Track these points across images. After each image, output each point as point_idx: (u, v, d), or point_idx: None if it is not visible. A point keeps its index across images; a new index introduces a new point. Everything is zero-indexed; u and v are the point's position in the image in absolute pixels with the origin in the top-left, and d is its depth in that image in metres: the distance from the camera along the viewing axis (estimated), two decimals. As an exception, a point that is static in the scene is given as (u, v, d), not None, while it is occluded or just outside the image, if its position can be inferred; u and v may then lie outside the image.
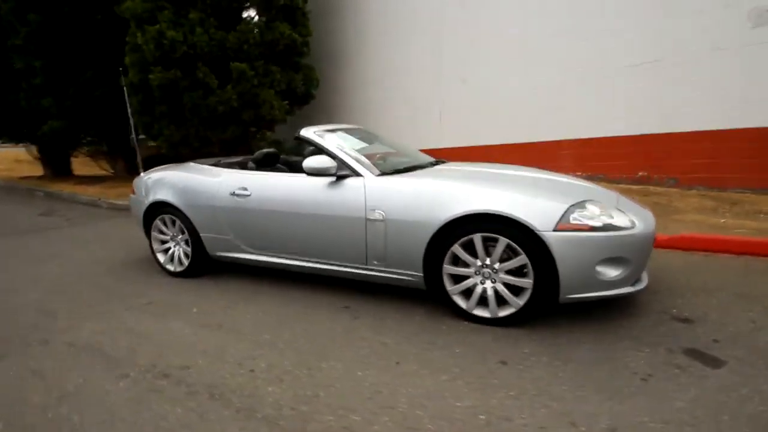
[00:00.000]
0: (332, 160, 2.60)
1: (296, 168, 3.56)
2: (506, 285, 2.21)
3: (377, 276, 2.59)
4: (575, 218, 2.07)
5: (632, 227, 2.13)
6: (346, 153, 2.70)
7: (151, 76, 6.93)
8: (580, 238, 2.05)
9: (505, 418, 1.54)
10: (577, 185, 2.65)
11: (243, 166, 3.38)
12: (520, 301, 2.17)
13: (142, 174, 3.71)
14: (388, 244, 2.44)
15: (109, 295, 3.04)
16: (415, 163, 3.08)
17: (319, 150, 2.80)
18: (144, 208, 3.42)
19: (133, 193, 3.68)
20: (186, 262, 3.32)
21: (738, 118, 4.86)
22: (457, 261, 2.30)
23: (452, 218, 2.22)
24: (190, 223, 3.20)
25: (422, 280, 2.44)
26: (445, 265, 2.32)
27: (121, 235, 4.94)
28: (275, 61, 7.90)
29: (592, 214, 2.11)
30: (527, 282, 2.14)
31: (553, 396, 1.65)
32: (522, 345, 2.05)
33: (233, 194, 2.98)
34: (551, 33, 6.27)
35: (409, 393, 1.72)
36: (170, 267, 3.42)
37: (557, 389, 1.69)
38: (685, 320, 2.21)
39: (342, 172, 2.61)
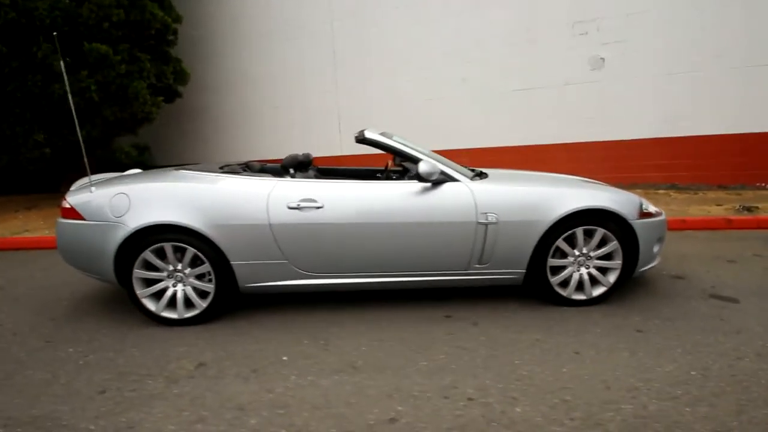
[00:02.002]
0: (437, 165, 2.48)
1: (337, 174, 3.12)
2: (597, 269, 2.62)
3: (476, 280, 2.62)
4: (645, 208, 2.65)
5: (662, 213, 2.86)
6: (437, 158, 2.62)
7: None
8: (650, 223, 2.63)
9: (657, 364, 1.92)
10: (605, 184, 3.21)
11: (273, 173, 2.77)
12: (611, 279, 2.62)
13: (93, 188, 2.56)
14: (497, 245, 2.52)
15: (149, 366, 2.04)
16: (468, 169, 3.10)
17: (400, 155, 2.62)
18: (121, 235, 2.39)
19: (78, 216, 2.51)
20: (203, 304, 2.50)
21: (591, 134, 6.69)
22: (557, 254, 2.58)
23: (563, 216, 2.49)
24: (217, 249, 2.43)
25: (522, 276, 2.62)
26: (549, 259, 2.56)
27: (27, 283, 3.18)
28: (142, 48, 6.38)
29: (647, 204, 2.74)
30: (616, 263, 2.60)
31: (682, 341, 2.13)
32: (628, 317, 2.48)
33: (294, 208, 2.44)
34: (447, 52, 7.18)
35: (633, 373, 1.91)
36: (170, 314, 2.51)
37: (678, 339, 2.19)
38: (679, 277, 3.11)
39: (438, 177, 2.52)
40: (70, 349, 2.30)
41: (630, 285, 2.90)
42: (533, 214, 2.50)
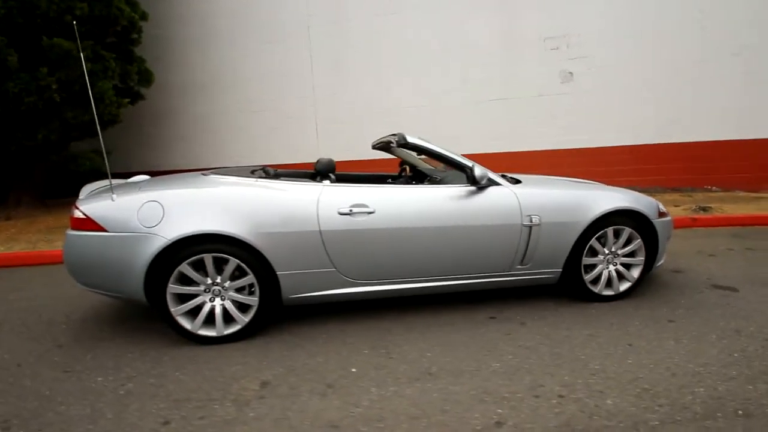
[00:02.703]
0: (487, 170, 2.53)
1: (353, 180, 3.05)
2: (623, 265, 2.80)
3: (516, 280, 2.69)
4: (661, 209, 2.88)
5: (668, 213, 3.13)
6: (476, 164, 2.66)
7: None
8: (666, 222, 2.87)
9: (702, 350, 2.12)
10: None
11: (302, 178, 2.65)
12: (635, 274, 2.81)
13: (114, 195, 2.29)
14: (539, 246, 2.61)
15: (206, 390, 1.83)
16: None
17: (444, 160, 2.64)
18: (156, 248, 2.16)
19: (97, 227, 2.23)
20: (245, 318, 2.33)
21: (562, 142, 7.14)
22: (588, 253, 2.73)
23: (598, 216, 2.63)
24: (262, 259, 2.28)
25: (558, 275, 2.73)
26: (583, 257, 2.70)
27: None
28: (105, 46, 5.88)
29: (661, 205, 2.98)
30: (640, 260, 2.79)
31: (711, 327, 2.35)
32: (656, 309, 2.67)
33: (345, 213, 2.36)
34: (428, 61, 7.34)
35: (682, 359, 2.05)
36: (208, 332, 2.31)
37: (707, 326, 2.40)
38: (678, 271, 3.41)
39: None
40: (99, 378, 2.03)
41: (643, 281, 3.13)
42: (572, 216, 2.63)
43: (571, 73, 6.82)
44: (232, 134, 8.26)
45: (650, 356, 2.10)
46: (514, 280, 2.69)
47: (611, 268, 2.78)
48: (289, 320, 2.61)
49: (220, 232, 2.21)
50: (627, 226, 2.72)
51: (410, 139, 2.67)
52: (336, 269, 2.41)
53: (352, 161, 7.81)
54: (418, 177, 3.64)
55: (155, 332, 2.50)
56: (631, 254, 2.80)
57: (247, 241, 2.24)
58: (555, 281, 2.76)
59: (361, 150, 8.02)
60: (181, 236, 2.17)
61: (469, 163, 2.59)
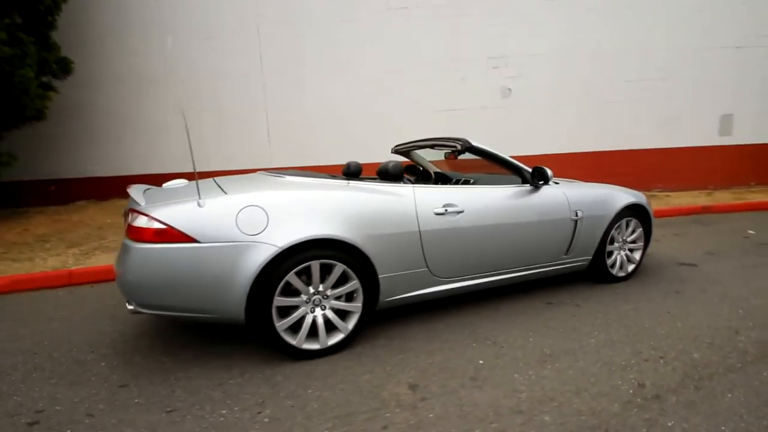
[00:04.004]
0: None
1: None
2: (629, 250, 3.36)
3: (560, 269, 3.04)
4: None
5: (646, 206, 3.82)
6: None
7: None
8: (652, 213, 3.53)
9: (719, 312, 2.74)
10: None
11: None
12: (637, 257, 3.39)
13: (201, 200, 1.98)
14: (579, 237, 2.99)
15: (356, 403, 1.67)
16: None
17: (504, 164, 2.85)
18: (265, 257, 1.95)
19: (183, 238, 1.92)
20: (348, 326, 2.23)
21: (501, 151, 7.93)
22: (610, 241, 3.21)
23: (619, 210, 3.13)
24: (366, 263, 2.21)
25: (588, 262, 3.16)
26: (607, 246, 3.17)
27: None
28: (21, 27, 4.86)
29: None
30: (640, 245, 3.38)
31: (708, 294, 3.00)
32: (659, 284, 3.26)
33: (440, 213, 2.42)
34: (382, 72, 7.54)
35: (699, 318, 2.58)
36: (311, 345, 2.14)
37: (705, 293, 3.06)
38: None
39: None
40: (223, 411, 1.75)
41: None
42: (603, 210, 3.08)
43: (510, 89, 7.69)
44: (165, 136, 7.33)
45: (690, 320, 2.59)
46: (558, 269, 3.03)
47: (622, 253, 3.32)
48: (367, 327, 2.55)
49: (332, 237, 2.08)
50: (634, 217, 3.28)
51: (474, 144, 2.84)
52: (428, 268, 2.45)
53: (307, 168, 7.60)
54: (426, 179, 3.85)
55: (221, 354, 2.21)
56: (635, 241, 3.38)
57: (356, 245, 2.15)
58: (585, 268, 3.19)
59: (317, 156, 7.90)
60: (293, 243, 2.00)
61: (521, 165, 2.87)
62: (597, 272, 3.23)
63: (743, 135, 7.88)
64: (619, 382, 1.92)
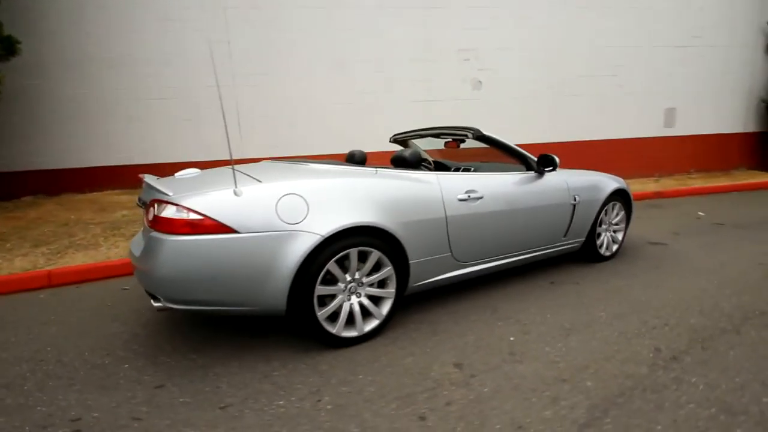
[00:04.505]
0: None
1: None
2: (614, 231, 3.65)
3: (557, 250, 3.24)
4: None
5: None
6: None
7: None
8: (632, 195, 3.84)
9: (703, 281, 3.10)
10: None
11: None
12: (620, 237, 3.69)
13: (238, 188, 1.89)
14: (576, 220, 3.21)
15: (409, 385, 1.70)
16: None
17: (512, 153, 2.98)
18: (309, 245, 1.92)
19: (219, 228, 1.84)
20: (383, 312, 2.24)
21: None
22: (599, 224, 3.47)
23: (608, 194, 3.39)
24: (400, 250, 2.24)
25: (581, 244, 3.40)
26: (597, 228, 3.42)
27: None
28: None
29: (623, 185, 3.95)
30: (622, 226, 3.68)
31: (683, 268, 3.36)
32: (636, 263, 3.58)
33: (463, 200, 2.49)
34: (357, 62, 7.46)
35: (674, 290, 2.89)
36: (349, 333, 2.15)
37: (680, 266, 3.41)
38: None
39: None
40: (280, 402, 1.71)
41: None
42: (595, 195, 3.32)
43: (480, 81, 7.94)
44: (122, 126, 6.80)
45: (675, 292, 2.88)
46: (557, 251, 3.24)
47: (608, 234, 3.60)
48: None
49: (370, 224, 2.09)
50: (618, 201, 3.57)
51: (486, 133, 2.93)
52: (451, 253, 2.52)
53: (274, 159, 7.39)
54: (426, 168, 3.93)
55: (253, 347, 2.16)
56: (618, 223, 3.67)
57: (392, 232, 2.17)
58: (578, 249, 3.43)
59: (290, 147, 7.69)
60: (335, 231, 1.98)
61: (527, 154, 3.02)
62: (588, 253, 3.48)
63: (684, 127, 8.72)
64: (638, 348, 2.12)
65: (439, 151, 4.31)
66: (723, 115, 8.84)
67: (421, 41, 7.62)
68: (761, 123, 8.89)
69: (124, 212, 5.16)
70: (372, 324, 2.23)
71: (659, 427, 1.55)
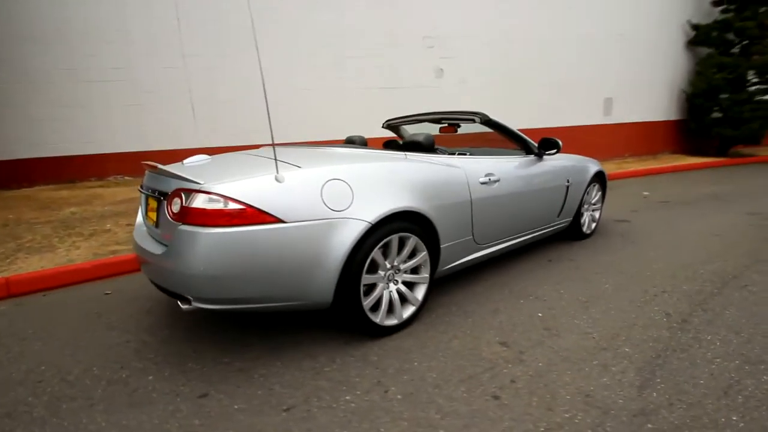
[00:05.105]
0: (558, 143, 3.10)
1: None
2: (592, 211, 3.93)
3: (553, 229, 3.42)
4: (601, 168, 4.14)
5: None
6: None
7: None
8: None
9: (685, 253, 3.47)
10: None
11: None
12: (597, 216, 3.98)
13: (279, 174, 1.74)
14: (568, 201, 3.40)
15: (469, 368, 1.69)
16: None
17: (515, 137, 3.05)
18: (358, 232, 1.83)
19: (263, 218, 1.69)
20: (419, 297, 2.22)
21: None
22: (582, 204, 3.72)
23: (591, 176, 3.62)
24: (434, 234, 2.22)
25: (569, 223, 3.62)
26: (581, 207, 3.66)
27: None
28: None
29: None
30: (599, 206, 3.98)
31: (655, 241, 3.73)
32: (612, 237, 3.89)
33: (484, 183, 2.53)
34: (319, 47, 7.19)
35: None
36: (390, 321, 2.10)
37: (652, 239, 3.78)
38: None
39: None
40: (347, 397, 1.63)
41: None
42: (582, 177, 3.54)
43: (442, 69, 8.05)
44: (54, 112, 5.98)
45: (658, 262, 3.17)
46: (552, 230, 3.42)
47: (589, 213, 3.87)
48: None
49: (411, 209, 2.04)
50: (597, 182, 3.84)
51: (492, 117, 2.98)
52: (472, 236, 2.55)
53: (233, 147, 6.96)
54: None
55: (289, 344, 2.05)
56: (595, 203, 3.96)
57: (428, 216, 2.14)
58: (565, 228, 3.65)
59: (251, 135, 7.25)
60: (382, 216, 1.90)
61: (528, 140, 3.13)
62: (573, 231, 3.72)
63: (620, 115, 9.58)
64: (652, 315, 2.32)
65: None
66: (651, 105, 9.84)
67: (389, 26, 7.53)
68: (682, 111, 10.03)
69: (73, 209, 4.55)
70: (409, 310, 2.20)
71: (701, 381, 1.71)
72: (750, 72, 8.85)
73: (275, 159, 1.83)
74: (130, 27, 6.10)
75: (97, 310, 2.50)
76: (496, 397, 1.63)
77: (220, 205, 1.67)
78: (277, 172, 1.78)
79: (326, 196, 1.83)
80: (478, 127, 3.17)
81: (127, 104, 6.25)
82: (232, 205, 1.67)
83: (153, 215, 2.03)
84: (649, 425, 1.47)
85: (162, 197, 1.88)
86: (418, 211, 2.09)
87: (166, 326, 2.28)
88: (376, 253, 1.96)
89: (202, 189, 1.70)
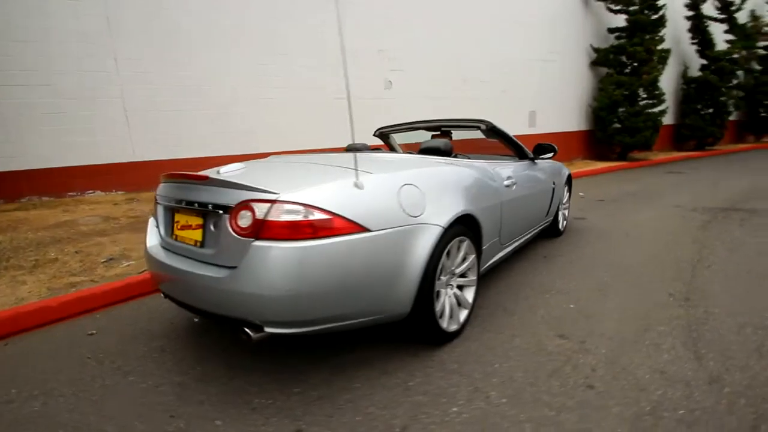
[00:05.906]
0: (553, 148, 3.34)
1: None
2: (564, 210, 4.30)
3: (541, 228, 3.68)
4: (566, 172, 4.57)
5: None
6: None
7: None
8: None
9: (630, 237, 3.96)
10: None
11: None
12: (566, 213, 4.36)
13: (359, 180, 1.61)
14: (553, 201, 3.69)
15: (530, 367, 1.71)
16: None
17: (515, 146, 3.23)
18: (435, 238, 1.79)
19: (348, 227, 1.56)
20: (470, 300, 2.22)
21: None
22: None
23: (566, 178, 3.98)
24: (479, 236, 2.25)
25: (551, 221, 3.92)
26: (559, 207, 3.99)
27: None
28: None
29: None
30: (567, 205, 4.38)
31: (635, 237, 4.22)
32: (581, 235, 4.31)
33: (508, 186, 2.63)
34: (271, 55, 6.88)
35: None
36: (452, 326, 2.07)
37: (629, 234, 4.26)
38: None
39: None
40: (433, 411, 1.54)
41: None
42: (560, 179, 3.87)
43: (390, 81, 8.22)
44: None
45: (635, 252, 3.56)
46: (540, 229, 3.66)
47: (562, 212, 4.24)
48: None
49: (470, 213, 2.05)
50: (568, 184, 4.23)
51: (497, 126, 3.12)
52: (499, 237, 2.63)
53: (175, 161, 6.35)
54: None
55: (326, 360, 1.91)
56: (565, 203, 4.35)
57: (479, 219, 2.16)
58: (548, 226, 3.94)
59: (192, 148, 6.63)
60: (452, 220, 1.88)
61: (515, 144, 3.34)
62: (551, 230, 4.04)
63: (542, 126, 10.66)
64: (659, 296, 2.61)
65: (407, 145, 4.38)
66: (566, 117, 11.13)
67: (339, 37, 7.47)
68: (589, 123, 11.51)
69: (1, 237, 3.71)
70: (463, 314, 2.19)
71: (734, 347, 1.97)
72: (640, 89, 10.51)
73: (356, 166, 1.70)
74: (51, 24, 5.23)
75: (90, 354, 2.07)
76: (591, 387, 1.70)
77: (300, 217, 1.51)
78: (357, 178, 1.66)
79: (403, 202, 1.75)
80: (471, 134, 3.32)
81: (45, 112, 5.31)
82: (318, 215, 1.52)
83: (192, 233, 1.75)
84: (727, 389, 1.65)
85: (218, 210, 1.63)
86: (473, 214, 2.11)
87: (196, 362, 1.96)
88: (444, 258, 1.93)
89: (280, 199, 1.51)
